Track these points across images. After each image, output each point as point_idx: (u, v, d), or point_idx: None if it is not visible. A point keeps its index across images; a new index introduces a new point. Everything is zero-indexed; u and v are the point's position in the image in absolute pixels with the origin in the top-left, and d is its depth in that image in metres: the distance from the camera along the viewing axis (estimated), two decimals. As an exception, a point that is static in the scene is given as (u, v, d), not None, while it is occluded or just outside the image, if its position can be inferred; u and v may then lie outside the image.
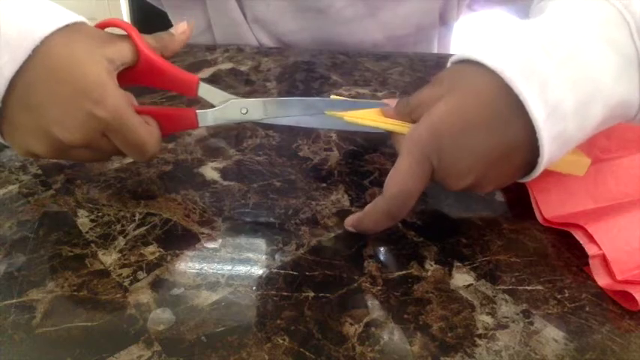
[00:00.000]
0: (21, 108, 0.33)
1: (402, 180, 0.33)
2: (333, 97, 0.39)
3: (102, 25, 0.37)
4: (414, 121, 0.35)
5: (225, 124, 0.44)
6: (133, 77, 0.37)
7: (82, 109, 0.33)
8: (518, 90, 0.30)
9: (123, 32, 0.37)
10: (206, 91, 0.38)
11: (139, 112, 0.36)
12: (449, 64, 0.36)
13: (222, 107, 0.39)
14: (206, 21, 0.67)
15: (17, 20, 0.32)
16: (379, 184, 0.41)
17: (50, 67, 0.32)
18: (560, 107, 0.30)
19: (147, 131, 0.36)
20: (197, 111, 0.38)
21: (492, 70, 0.31)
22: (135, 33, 0.36)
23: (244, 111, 0.39)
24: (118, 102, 0.33)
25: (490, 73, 0.31)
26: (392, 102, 0.37)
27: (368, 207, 0.35)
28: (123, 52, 0.35)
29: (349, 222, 0.36)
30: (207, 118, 0.39)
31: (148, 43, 0.37)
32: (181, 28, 0.40)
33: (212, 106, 0.39)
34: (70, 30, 0.34)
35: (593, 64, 0.31)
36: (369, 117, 0.37)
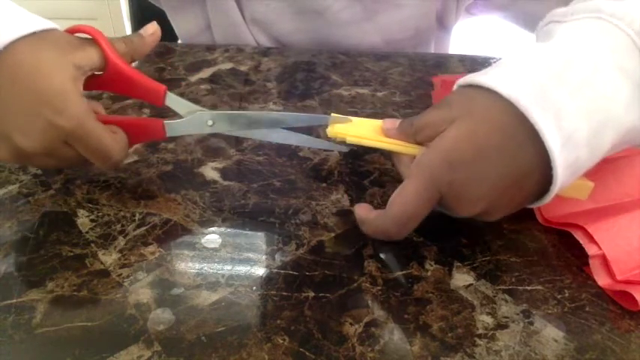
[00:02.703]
0: None
1: (406, 203, 0.32)
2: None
3: (72, 31, 0.37)
4: (418, 143, 0.34)
5: (192, 134, 0.44)
6: (101, 83, 0.37)
7: (42, 118, 0.33)
8: (534, 120, 0.29)
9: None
10: (173, 100, 0.39)
11: (105, 122, 0.36)
12: (456, 87, 0.35)
13: (189, 119, 0.39)
14: (205, 21, 0.67)
15: None
16: (379, 184, 0.41)
17: (14, 73, 0.32)
18: (575, 136, 0.30)
19: (111, 138, 0.36)
20: (164, 121, 0.39)
21: (506, 99, 0.30)
22: (103, 40, 0.36)
23: (210, 123, 0.39)
24: (79, 111, 0.33)
25: (503, 101, 0.31)
26: (393, 122, 0.36)
27: (372, 216, 0.34)
28: (91, 58, 0.35)
29: (357, 211, 0.36)
30: (175, 128, 0.39)
31: (117, 48, 0.37)
32: (151, 29, 0.40)
33: (180, 116, 0.39)
34: (37, 37, 0.34)
35: (606, 92, 0.30)
36: (371, 137, 0.36)
